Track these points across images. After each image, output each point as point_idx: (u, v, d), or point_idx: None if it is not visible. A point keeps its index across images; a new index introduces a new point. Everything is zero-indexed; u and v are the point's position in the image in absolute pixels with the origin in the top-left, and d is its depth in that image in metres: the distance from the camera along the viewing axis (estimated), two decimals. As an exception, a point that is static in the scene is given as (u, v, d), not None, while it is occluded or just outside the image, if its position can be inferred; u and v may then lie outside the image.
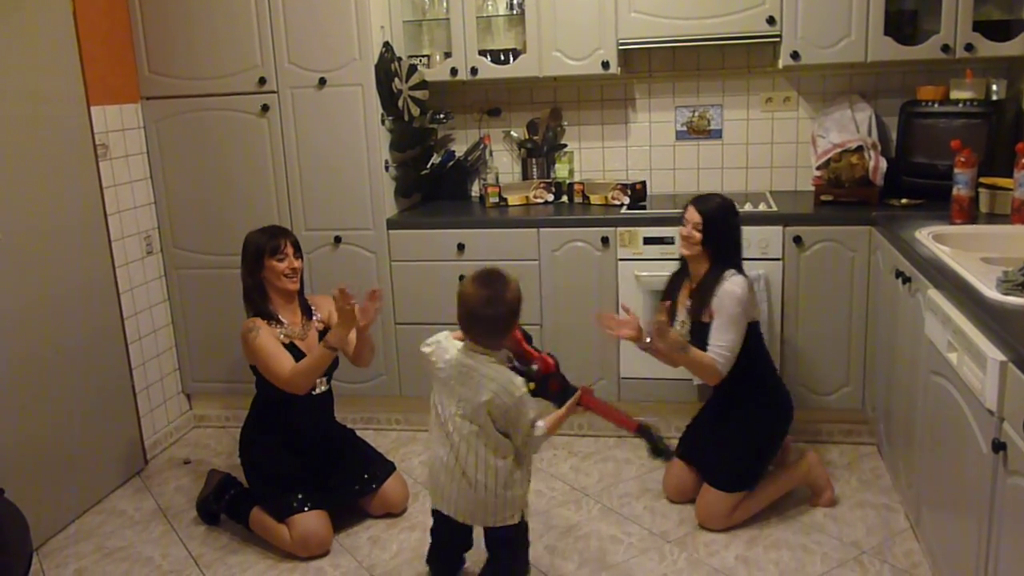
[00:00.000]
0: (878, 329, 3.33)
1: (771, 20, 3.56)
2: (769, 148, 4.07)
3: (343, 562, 2.99)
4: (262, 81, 3.73)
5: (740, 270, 3.02)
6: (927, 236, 2.88)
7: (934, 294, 2.43)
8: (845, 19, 3.52)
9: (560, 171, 4.21)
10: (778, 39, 3.61)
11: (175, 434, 4.10)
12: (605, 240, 3.62)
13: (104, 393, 3.56)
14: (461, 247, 3.72)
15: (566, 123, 4.23)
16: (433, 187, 4.22)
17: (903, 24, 3.60)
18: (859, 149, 3.55)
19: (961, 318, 2.21)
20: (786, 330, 3.56)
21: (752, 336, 3.02)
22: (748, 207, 3.62)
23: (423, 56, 4.06)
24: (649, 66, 4.09)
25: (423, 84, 3.86)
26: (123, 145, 3.76)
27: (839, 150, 3.57)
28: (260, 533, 3.09)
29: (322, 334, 3.16)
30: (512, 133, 4.25)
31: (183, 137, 3.88)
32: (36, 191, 3.21)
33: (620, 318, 3.10)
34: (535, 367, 2.61)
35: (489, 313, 2.46)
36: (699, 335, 2.99)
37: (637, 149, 4.19)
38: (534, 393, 2.53)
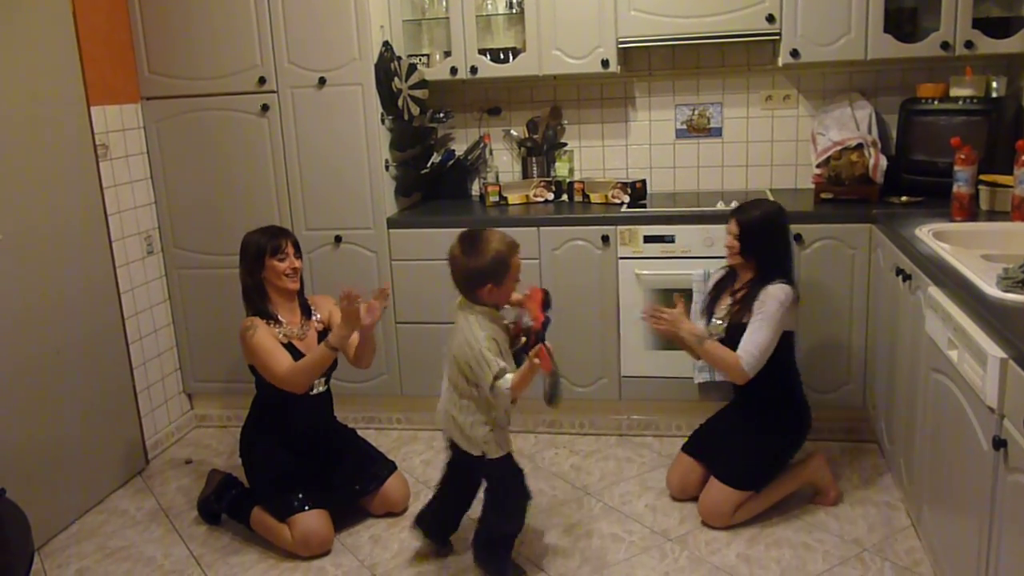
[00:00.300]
0: (879, 327, 3.33)
1: (771, 18, 3.56)
2: (769, 146, 4.07)
3: (344, 561, 2.99)
4: (262, 81, 3.73)
5: (787, 279, 2.99)
6: (927, 233, 2.88)
7: (934, 291, 2.43)
8: (845, 17, 3.52)
9: (560, 170, 4.21)
10: (778, 37, 3.61)
11: (176, 434, 4.10)
12: (605, 239, 3.62)
13: (105, 393, 3.56)
14: (461, 246, 3.72)
15: (566, 122, 4.23)
16: (433, 186, 4.22)
17: (903, 22, 3.60)
18: (859, 147, 3.55)
19: (961, 315, 2.20)
20: (787, 328, 3.56)
21: (785, 347, 3.02)
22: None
23: (423, 55, 4.07)
24: (649, 64, 4.09)
25: (423, 83, 3.87)
26: (123, 145, 3.76)
27: (839, 148, 3.57)
28: (261, 533, 3.09)
29: (321, 334, 3.16)
30: (512, 132, 4.25)
31: (183, 137, 3.88)
32: (36, 191, 3.21)
33: (664, 310, 3.04)
34: (530, 325, 2.72)
35: (463, 268, 2.64)
36: (735, 336, 2.98)
37: (637, 147, 4.19)
38: (524, 348, 2.70)
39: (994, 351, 1.95)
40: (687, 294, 3.29)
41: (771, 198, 3.74)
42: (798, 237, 3.45)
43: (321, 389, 3.16)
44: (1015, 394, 1.86)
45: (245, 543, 3.14)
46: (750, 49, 3.97)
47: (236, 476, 3.31)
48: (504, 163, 4.31)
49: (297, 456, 3.11)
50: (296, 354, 3.04)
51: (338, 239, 3.84)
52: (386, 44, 3.72)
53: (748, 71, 4.01)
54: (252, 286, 3.08)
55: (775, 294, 2.92)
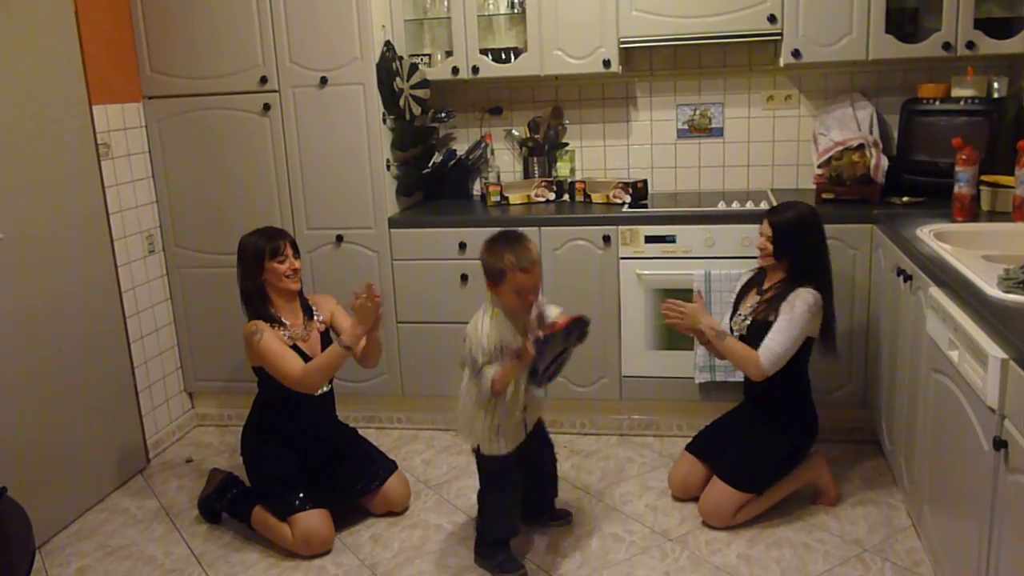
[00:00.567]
0: (879, 327, 3.33)
1: (772, 18, 3.56)
2: (770, 146, 4.07)
3: (345, 560, 2.99)
4: (263, 80, 3.73)
5: (819, 285, 2.97)
6: (928, 234, 2.88)
7: (935, 292, 2.43)
8: (846, 17, 3.52)
9: (561, 170, 4.21)
10: (779, 37, 3.61)
11: (177, 433, 4.10)
12: (607, 239, 3.63)
13: (106, 392, 3.57)
14: (463, 246, 3.73)
15: (567, 122, 4.23)
16: (434, 186, 4.22)
17: (904, 22, 3.60)
18: (860, 147, 3.55)
19: (962, 316, 2.20)
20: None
21: (803, 353, 3.02)
22: (750, 205, 3.63)
23: (424, 55, 4.07)
24: (650, 64, 4.09)
25: (424, 83, 3.87)
26: (125, 144, 3.76)
27: (840, 148, 3.57)
28: (262, 532, 3.10)
29: (324, 334, 3.16)
30: (513, 132, 4.25)
31: (185, 136, 3.88)
32: (38, 190, 3.21)
33: (684, 305, 3.01)
34: (538, 336, 2.69)
35: (481, 257, 2.77)
36: (757, 334, 2.98)
37: (638, 147, 4.19)
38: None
39: (995, 352, 1.95)
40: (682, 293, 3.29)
41: (773, 198, 3.76)
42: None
43: (325, 389, 3.16)
44: (1016, 395, 1.86)
45: (246, 542, 3.14)
46: (752, 49, 3.97)
47: (237, 475, 3.31)
48: (505, 163, 4.31)
49: (298, 455, 3.11)
50: (301, 355, 3.04)
51: (339, 239, 3.84)
52: (388, 44, 3.72)
53: (750, 71, 4.01)
54: (253, 290, 3.07)
55: (805, 297, 2.92)
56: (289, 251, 3.09)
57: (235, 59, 3.74)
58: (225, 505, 3.24)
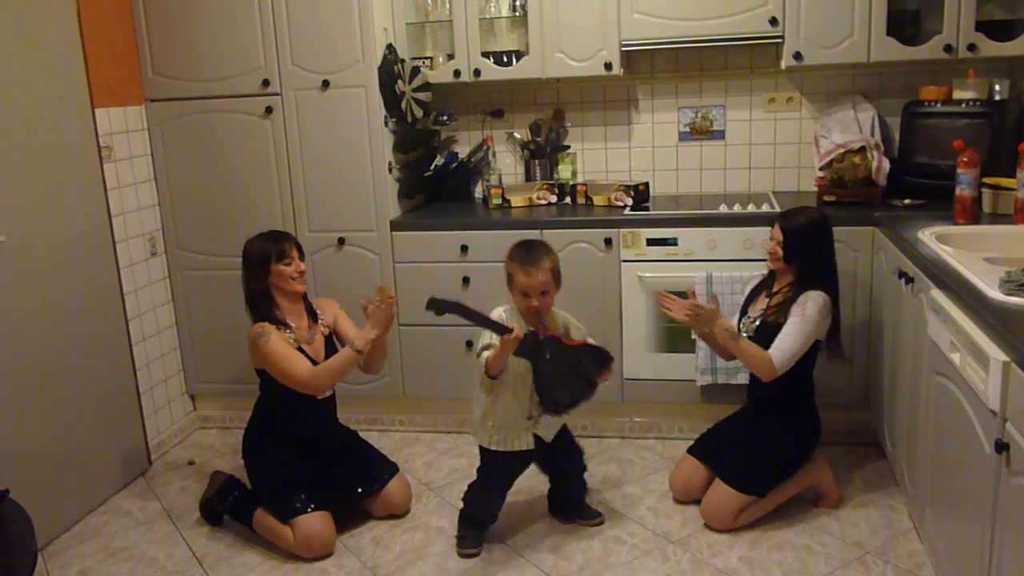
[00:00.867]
0: (881, 329, 3.32)
1: (774, 21, 3.56)
2: (772, 149, 4.07)
3: (346, 563, 2.99)
4: (266, 83, 3.74)
5: (828, 288, 2.99)
6: (930, 236, 2.88)
7: (937, 294, 2.43)
8: (847, 19, 3.52)
9: (563, 172, 4.21)
10: (781, 40, 3.61)
11: (179, 435, 4.10)
12: (608, 241, 3.63)
13: (108, 394, 3.57)
14: (464, 248, 3.73)
15: (569, 124, 4.23)
16: (436, 189, 4.22)
17: (906, 24, 3.60)
18: (862, 149, 3.55)
19: (964, 318, 2.20)
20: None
21: (810, 355, 3.02)
22: (751, 208, 3.63)
23: (426, 58, 4.07)
24: (652, 67, 4.09)
25: (426, 86, 3.87)
26: (127, 147, 3.77)
27: (842, 150, 3.57)
28: (264, 534, 3.10)
29: (327, 339, 3.17)
30: (515, 134, 4.26)
31: (187, 139, 3.89)
32: (41, 193, 3.22)
33: (680, 300, 3.02)
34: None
35: None
36: (766, 337, 2.98)
37: (640, 150, 4.20)
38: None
39: (996, 354, 1.95)
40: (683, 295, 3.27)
41: (774, 201, 3.76)
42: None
43: (328, 392, 3.16)
44: (1017, 397, 1.86)
45: (247, 544, 3.14)
46: (753, 52, 3.97)
47: (238, 478, 3.31)
48: (507, 165, 4.32)
49: (300, 458, 3.11)
50: (306, 358, 3.04)
51: (341, 241, 3.85)
52: (389, 47, 3.73)
53: (751, 73, 4.01)
54: (259, 293, 3.08)
55: (816, 299, 2.93)
56: (295, 253, 3.10)
57: (237, 62, 3.75)
58: (227, 508, 3.24)
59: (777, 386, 3.00)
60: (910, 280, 2.79)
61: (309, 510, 3.01)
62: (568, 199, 4.08)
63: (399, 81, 3.72)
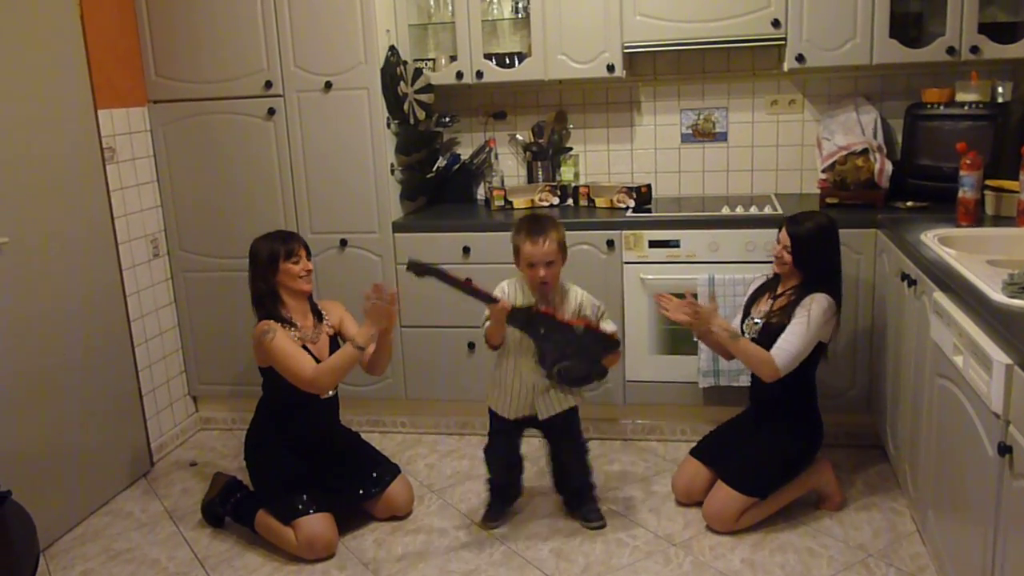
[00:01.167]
0: (884, 332, 3.32)
1: (776, 23, 3.56)
2: (774, 151, 4.07)
3: (348, 565, 2.99)
4: (268, 85, 3.74)
5: (832, 292, 2.99)
6: (932, 239, 2.88)
7: (940, 297, 2.43)
8: (850, 22, 3.51)
9: (565, 174, 4.21)
10: (783, 42, 3.61)
11: (181, 436, 4.11)
12: (610, 243, 3.63)
13: (111, 395, 3.57)
14: (467, 250, 3.73)
15: (571, 126, 4.23)
16: (438, 190, 4.22)
17: (908, 26, 3.60)
18: (864, 152, 3.55)
19: (967, 321, 2.20)
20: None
21: (813, 358, 3.02)
22: (754, 210, 3.63)
23: (428, 59, 4.07)
24: (654, 69, 4.09)
25: (428, 87, 3.87)
26: (130, 148, 3.77)
27: (844, 153, 3.57)
28: (266, 536, 3.10)
29: (332, 339, 3.17)
30: (517, 136, 4.26)
31: (189, 140, 3.89)
32: (43, 194, 3.22)
33: (677, 300, 3.04)
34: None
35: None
36: (769, 338, 2.98)
37: (642, 152, 4.19)
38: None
39: (999, 357, 1.95)
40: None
41: (777, 203, 3.75)
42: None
43: (331, 393, 3.17)
44: (1021, 400, 1.86)
45: (249, 546, 3.14)
46: (755, 54, 3.97)
47: (240, 479, 3.31)
48: (509, 167, 4.32)
49: (301, 459, 3.11)
50: (310, 356, 3.05)
51: (343, 243, 3.85)
52: (392, 48, 3.73)
53: (753, 76, 4.01)
54: (266, 292, 3.08)
55: (821, 301, 2.93)
56: (303, 253, 3.11)
57: (240, 63, 3.75)
58: (228, 509, 3.24)
59: (779, 389, 3.00)
60: (913, 282, 2.79)
61: (311, 512, 3.01)
62: (570, 201, 4.08)
63: (401, 83, 3.72)
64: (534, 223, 2.96)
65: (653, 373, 3.71)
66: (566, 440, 3.16)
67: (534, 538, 3.09)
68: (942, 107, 3.55)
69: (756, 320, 3.09)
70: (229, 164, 3.87)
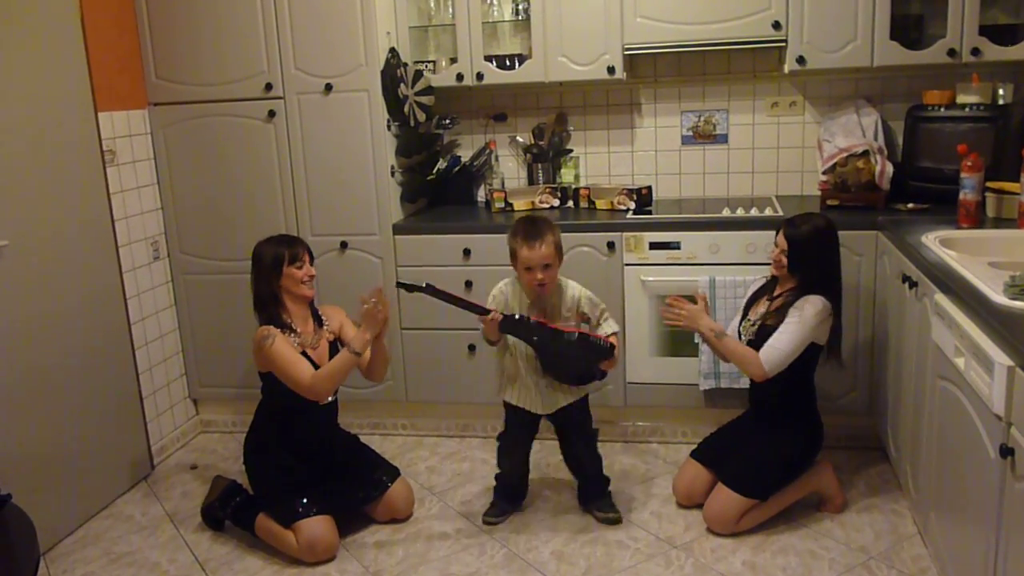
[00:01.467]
0: (885, 334, 3.32)
1: (777, 25, 3.56)
2: (775, 152, 4.07)
3: (349, 567, 2.99)
4: (268, 87, 3.74)
5: (829, 295, 2.99)
6: (934, 240, 2.87)
7: (941, 299, 2.42)
8: (851, 23, 3.51)
9: (566, 176, 4.21)
10: (784, 44, 3.61)
11: (182, 439, 4.10)
12: (611, 245, 3.62)
13: (111, 398, 3.57)
14: (467, 252, 3.73)
15: (572, 128, 4.23)
16: (439, 192, 4.22)
17: (909, 28, 3.60)
18: (865, 154, 3.54)
19: (968, 323, 2.20)
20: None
21: (810, 360, 3.02)
22: (754, 212, 3.62)
23: (429, 62, 4.07)
24: (655, 71, 4.09)
25: (429, 89, 3.87)
26: (130, 151, 3.77)
27: (845, 154, 3.57)
28: (266, 539, 3.09)
29: (332, 344, 3.16)
30: (518, 138, 4.26)
31: (190, 143, 3.89)
32: (44, 196, 3.22)
33: (685, 305, 3.05)
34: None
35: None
36: (765, 339, 2.97)
37: (643, 154, 4.19)
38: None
39: (1001, 359, 1.94)
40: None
41: (777, 205, 3.75)
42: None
43: (331, 398, 3.16)
44: (1022, 402, 1.85)
45: (250, 549, 3.14)
46: (756, 56, 3.97)
47: (240, 483, 3.31)
48: (510, 169, 4.32)
49: (301, 462, 3.11)
50: (310, 363, 3.04)
51: (344, 245, 3.85)
52: (392, 50, 3.73)
53: (754, 78, 4.01)
54: (268, 296, 3.08)
55: (814, 302, 2.93)
56: (306, 258, 3.11)
57: (240, 66, 3.75)
58: (229, 512, 3.23)
59: (777, 390, 3.00)
60: (914, 284, 2.78)
61: (311, 514, 3.00)
62: (571, 203, 4.08)
63: (402, 85, 3.72)
64: (530, 226, 2.97)
65: (654, 375, 3.71)
66: (577, 432, 3.19)
67: (535, 540, 3.08)
68: (943, 109, 3.55)
69: (753, 322, 3.09)
70: (229, 166, 3.87)
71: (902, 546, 2.92)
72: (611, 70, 3.73)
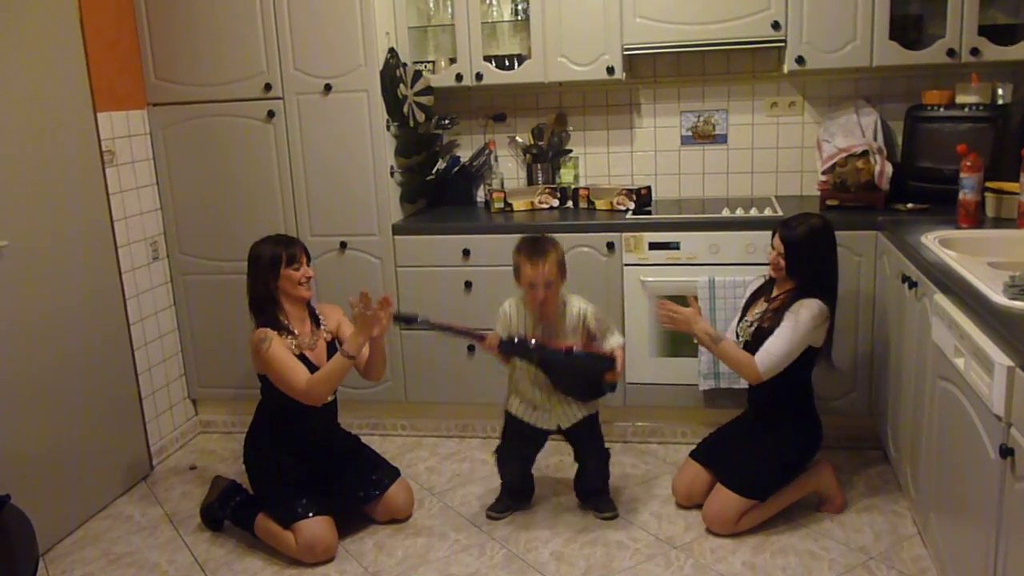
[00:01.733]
0: (884, 334, 3.32)
1: (776, 25, 3.56)
2: (774, 153, 4.07)
3: (348, 568, 2.99)
4: (268, 87, 3.74)
5: (826, 298, 2.98)
6: (933, 241, 2.87)
7: (940, 299, 2.42)
8: (850, 24, 3.51)
9: (565, 176, 4.21)
10: (783, 44, 3.61)
11: (181, 440, 4.10)
12: (610, 245, 3.62)
13: (110, 399, 3.56)
14: (466, 252, 3.73)
15: (571, 128, 4.23)
16: (438, 193, 4.22)
17: (908, 28, 3.60)
18: (865, 154, 3.54)
19: (968, 323, 2.20)
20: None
21: (806, 362, 3.02)
22: (754, 212, 3.62)
23: (428, 62, 4.07)
24: (654, 71, 4.09)
25: (428, 90, 3.87)
26: (129, 151, 3.77)
27: (845, 155, 3.57)
28: (265, 539, 3.09)
29: (330, 345, 3.16)
30: (517, 138, 4.26)
31: (189, 143, 3.89)
32: (43, 197, 3.22)
33: (679, 309, 3.04)
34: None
35: None
36: (762, 340, 2.97)
37: (642, 154, 4.19)
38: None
39: (1001, 359, 1.94)
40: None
41: (777, 205, 3.75)
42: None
43: (329, 399, 3.16)
44: (1022, 402, 1.85)
45: (249, 550, 3.13)
46: (755, 56, 3.97)
47: (240, 483, 3.31)
48: (509, 169, 4.32)
49: (301, 463, 3.11)
50: (308, 365, 3.04)
51: (343, 245, 3.84)
52: (391, 51, 3.73)
53: (753, 78, 4.01)
54: (265, 297, 3.07)
55: (810, 306, 2.92)
56: (303, 259, 3.10)
57: (239, 66, 3.75)
58: (228, 513, 3.23)
59: (775, 391, 3.00)
60: (913, 284, 2.78)
61: (311, 515, 3.00)
62: (570, 203, 4.08)
63: (401, 85, 3.72)
64: (533, 244, 2.99)
65: (653, 375, 3.70)
66: (589, 445, 3.21)
67: (534, 541, 3.08)
68: (942, 109, 3.55)
69: (750, 323, 3.09)
70: (229, 167, 3.87)
71: (902, 546, 2.92)
72: (610, 70, 3.73)
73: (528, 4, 3.79)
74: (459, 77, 3.87)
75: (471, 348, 3.79)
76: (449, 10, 3.92)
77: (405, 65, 3.79)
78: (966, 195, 3.12)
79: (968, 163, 3.11)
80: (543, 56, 3.79)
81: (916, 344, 2.78)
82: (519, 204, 4.03)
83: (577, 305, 3.07)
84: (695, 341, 3.14)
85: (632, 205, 3.83)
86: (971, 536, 2.23)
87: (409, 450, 3.90)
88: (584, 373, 2.98)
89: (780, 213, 3.59)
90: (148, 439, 3.81)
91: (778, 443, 3.06)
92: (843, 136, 3.66)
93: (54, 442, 3.24)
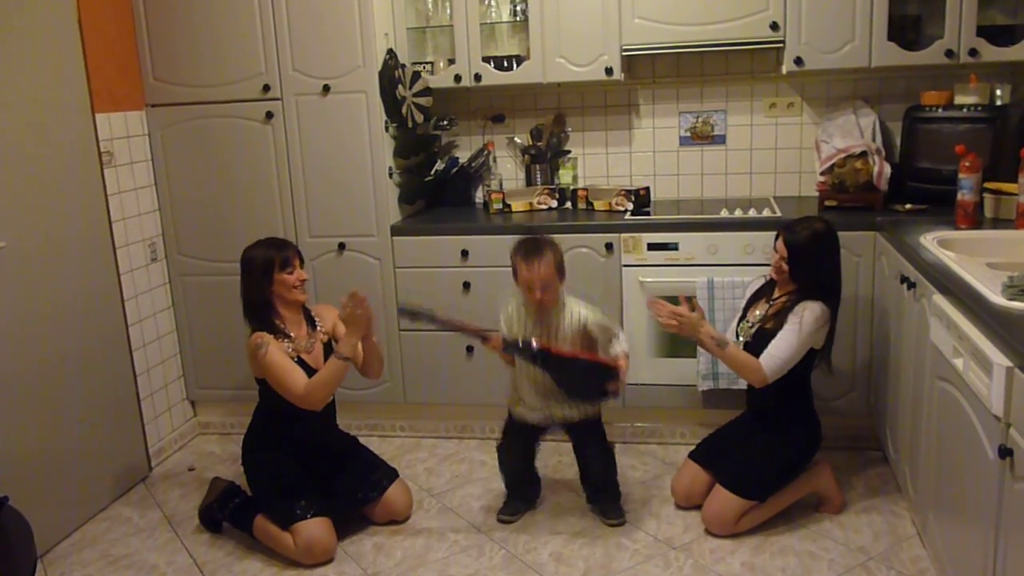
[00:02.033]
0: (883, 334, 3.32)
1: (775, 26, 3.56)
2: (773, 153, 4.07)
3: (347, 569, 2.98)
4: (266, 88, 3.74)
5: (828, 300, 2.98)
6: (932, 241, 2.87)
7: (939, 299, 2.43)
8: (848, 24, 3.51)
9: (564, 177, 4.21)
10: (782, 44, 3.61)
11: (179, 441, 4.10)
12: (609, 246, 3.62)
13: (108, 400, 3.56)
14: (465, 253, 3.72)
15: (570, 129, 4.23)
16: (437, 194, 4.22)
17: (907, 29, 3.60)
18: (863, 154, 3.55)
19: (966, 323, 2.20)
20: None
21: (806, 363, 3.02)
22: (752, 212, 3.62)
23: (427, 63, 4.07)
24: (653, 72, 4.09)
25: (427, 91, 3.87)
26: (128, 152, 3.76)
27: (843, 155, 3.57)
28: (264, 541, 3.09)
29: (327, 346, 3.16)
30: (516, 139, 4.25)
31: (187, 144, 3.88)
32: (41, 198, 3.21)
33: (672, 307, 3.02)
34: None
35: None
36: (763, 342, 2.97)
37: (641, 155, 4.19)
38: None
39: (999, 359, 1.94)
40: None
41: (775, 206, 3.75)
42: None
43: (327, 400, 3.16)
44: (1021, 403, 1.85)
45: (248, 551, 3.13)
46: (754, 56, 3.97)
47: (239, 484, 3.30)
48: (508, 170, 4.32)
49: (299, 464, 3.10)
50: (305, 368, 3.03)
51: (342, 246, 3.84)
52: (390, 52, 3.73)
53: (752, 78, 4.01)
54: (260, 302, 3.06)
55: (813, 308, 2.92)
56: (297, 262, 3.09)
57: (238, 67, 3.75)
58: (227, 514, 3.23)
59: (774, 392, 2.99)
60: (912, 285, 2.78)
61: (309, 516, 3.00)
62: (569, 204, 4.08)
63: (400, 86, 3.72)
64: (531, 246, 2.97)
65: (652, 376, 3.70)
66: (591, 442, 3.20)
67: (534, 541, 3.08)
68: (941, 110, 3.55)
69: (752, 324, 3.09)
70: (227, 168, 3.87)
71: (901, 547, 2.92)
72: (609, 71, 3.73)
73: (527, 5, 3.79)
74: (458, 78, 3.87)
75: (470, 349, 3.79)
76: (448, 11, 3.92)
77: (404, 66, 3.79)
78: (964, 196, 3.12)
79: (967, 164, 3.11)
80: (542, 57, 3.79)
81: (915, 345, 2.78)
82: (518, 205, 4.02)
83: (576, 310, 3.04)
84: (696, 345, 3.15)
85: (631, 206, 3.83)
86: (970, 536, 2.23)
87: (408, 451, 3.90)
88: (586, 381, 2.96)
89: (779, 214, 3.59)
90: (147, 441, 3.81)
91: (777, 444, 3.06)
92: (842, 137, 3.66)
93: (52, 444, 3.23)
